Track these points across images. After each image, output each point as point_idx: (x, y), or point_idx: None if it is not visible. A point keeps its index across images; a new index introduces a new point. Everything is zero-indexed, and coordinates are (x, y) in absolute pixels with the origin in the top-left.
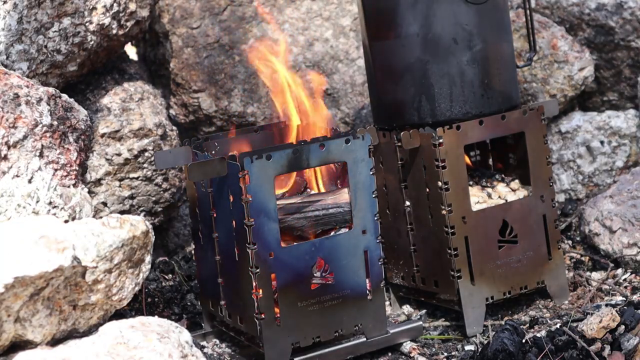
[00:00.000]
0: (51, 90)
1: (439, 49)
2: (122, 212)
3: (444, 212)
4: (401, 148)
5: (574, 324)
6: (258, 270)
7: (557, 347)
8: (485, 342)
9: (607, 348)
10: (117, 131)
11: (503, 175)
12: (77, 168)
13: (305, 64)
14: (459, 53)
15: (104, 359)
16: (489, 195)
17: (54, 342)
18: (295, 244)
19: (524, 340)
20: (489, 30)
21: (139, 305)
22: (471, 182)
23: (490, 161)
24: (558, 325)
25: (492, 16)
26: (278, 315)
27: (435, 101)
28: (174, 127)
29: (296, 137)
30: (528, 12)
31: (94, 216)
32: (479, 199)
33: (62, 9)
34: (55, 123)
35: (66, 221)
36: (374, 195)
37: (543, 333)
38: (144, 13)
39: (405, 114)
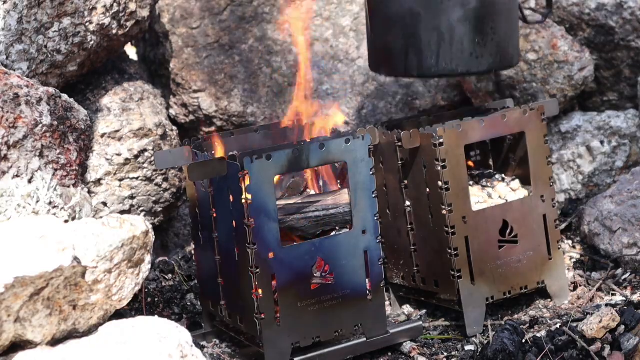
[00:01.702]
0: (51, 90)
1: (431, 3)
2: (122, 212)
3: (444, 212)
4: (401, 148)
5: (574, 324)
6: (258, 270)
7: (557, 347)
8: (485, 342)
9: (607, 348)
10: (117, 131)
11: (503, 175)
12: (77, 168)
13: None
14: (451, 9)
15: (104, 359)
16: (489, 195)
17: (54, 342)
18: (295, 244)
19: (524, 340)
20: None
21: (139, 305)
22: (471, 182)
23: (491, 161)
24: (558, 325)
25: None
26: (278, 315)
27: (422, 55)
28: (174, 127)
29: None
30: None
31: (94, 216)
32: (479, 199)
33: (62, 9)
34: (55, 123)
35: (66, 221)
36: (374, 195)
37: (543, 333)
38: (144, 13)
39: (393, 63)
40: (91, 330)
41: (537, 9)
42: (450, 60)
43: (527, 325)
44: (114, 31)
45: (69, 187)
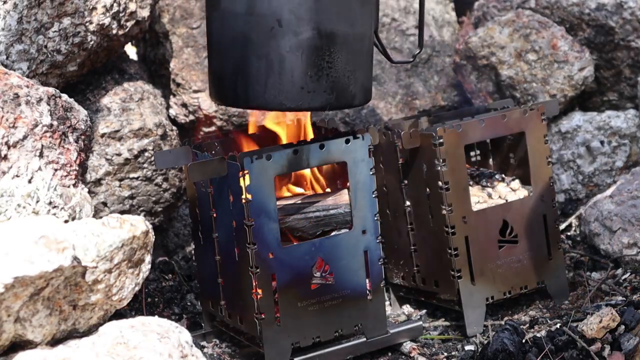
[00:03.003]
0: (51, 90)
1: (260, 30)
2: (122, 212)
3: (444, 212)
4: (401, 148)
5: (574, 324)
6: (258, 270)
7: (557, 347)
8: (485, 342)
9: (607, 348)
10: (117, 131)
11: (503, 175)
12: (77, 168)
13: None
14: (282, 38)
15: (104, 359)
16: (489, 195)
17: (54, 342)
18: (295, 244)
19: (524, 340)
20: (328, 17)
21: (139, 305)
22: (471, 182)
23: (491, 161)
24: (558, 325)
25: (336, 2)
26: (278, 315)
27: (250, 84)
28: (174, 127)
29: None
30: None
31: (94, 216)
32: (479, 199)
33: (62, 9)
34: (55, 123)
35: (66, 221)
36: (374, 195)
37: (543, 333)
38: (144, 13)
39: (224, 92)
40: (91, 330)
41: (537, 9)
42: (278, 93)
43: (527, 325)
44: (114, 31)
45: (69, 187)
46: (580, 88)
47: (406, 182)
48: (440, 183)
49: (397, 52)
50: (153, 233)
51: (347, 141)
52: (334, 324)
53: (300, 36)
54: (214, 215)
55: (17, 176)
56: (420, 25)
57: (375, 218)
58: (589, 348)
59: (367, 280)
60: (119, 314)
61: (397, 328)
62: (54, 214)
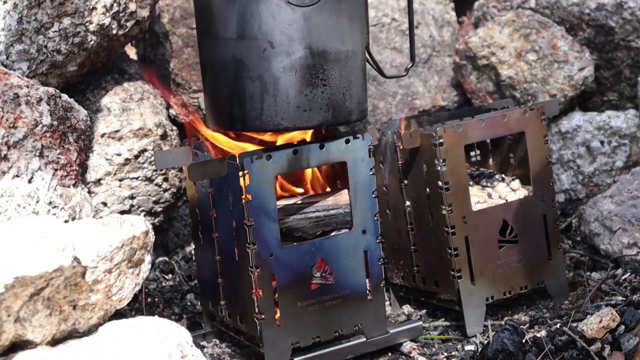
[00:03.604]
0: (51, 90)
1: (252, 52)
2: (122, 212)
3: (444, 212)
4: (401, 148)
5: (574, 324)
6: (258, 270)
7: (557, 347)
8: (485, 342)
9: (607, 348)
10: (117, 131)
11: (503, 175)
12: (77, 168)
13: None
14: (274, 59)
15: (104, 359)
16: (489, 195)
17: (54, 342)
18: (295, 244)
19: (524, 340)
20: (318, 36)
21: (139, 305)
22: (471, 182)
23: (491, 161)
24: (558, 325)
25: (325, 20)
26: (278, 315)
27: (245, 108)
28: (174, 127)
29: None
30: (411, 16)
31: (94, 216)
32: (479, 199)
33: (62, 9)
34: (55, 123)
35: (66, 221)
36: (374, 195)
37: (543, 333)
38: (144, 13)
39: (220, 117)
40: (91, 330)
41: (537, 9)
42: (275, 114)
43: (527, 325)
44: (114, 31)
45: (69, 187)
46: (580, 88)
47: (406, 182)
48: (440, 183)
49: (397, 52)
50: (153, 233)
51: (347, 141)
52: (334, 324)
53: (292, 56)
54: (214, 215)
55: (17, 176)
56: (411, 39)
57: (375, 218)
58: (589, 348)
59: (367, 280)
60: (119, 314)
61: (397, 328)
62: (54, 214)
